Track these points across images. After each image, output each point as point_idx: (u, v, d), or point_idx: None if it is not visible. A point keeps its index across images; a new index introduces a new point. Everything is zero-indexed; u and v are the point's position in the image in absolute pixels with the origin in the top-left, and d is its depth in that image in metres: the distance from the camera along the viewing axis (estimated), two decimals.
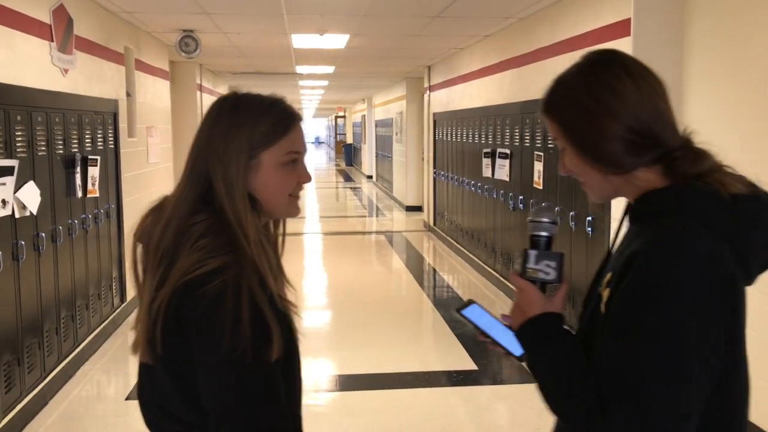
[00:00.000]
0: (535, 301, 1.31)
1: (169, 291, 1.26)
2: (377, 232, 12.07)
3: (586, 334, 1.30)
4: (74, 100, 5.10)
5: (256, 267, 1.29)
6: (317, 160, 37.82)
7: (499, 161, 7.42)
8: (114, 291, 6.17)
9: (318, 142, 56.00)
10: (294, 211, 1.45)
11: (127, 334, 6.10)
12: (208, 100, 11.76)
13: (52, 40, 4.70)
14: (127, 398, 4.62)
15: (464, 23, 6.92)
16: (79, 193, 5.20)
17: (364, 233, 12.10)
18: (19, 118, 4.10)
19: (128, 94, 6.80)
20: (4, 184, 3.88)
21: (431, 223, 11.48)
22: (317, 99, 23.67)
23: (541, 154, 6.13)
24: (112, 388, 5.04)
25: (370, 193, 18.38)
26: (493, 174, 7.62)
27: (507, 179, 7.16)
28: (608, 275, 1.27)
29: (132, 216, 6.61)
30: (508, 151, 7.12)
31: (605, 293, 1.24)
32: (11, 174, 3.95)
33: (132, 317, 6.38)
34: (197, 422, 1.29)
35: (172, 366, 1.30)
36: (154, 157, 7.76)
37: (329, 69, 11.73)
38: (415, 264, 9.41)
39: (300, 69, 11.75)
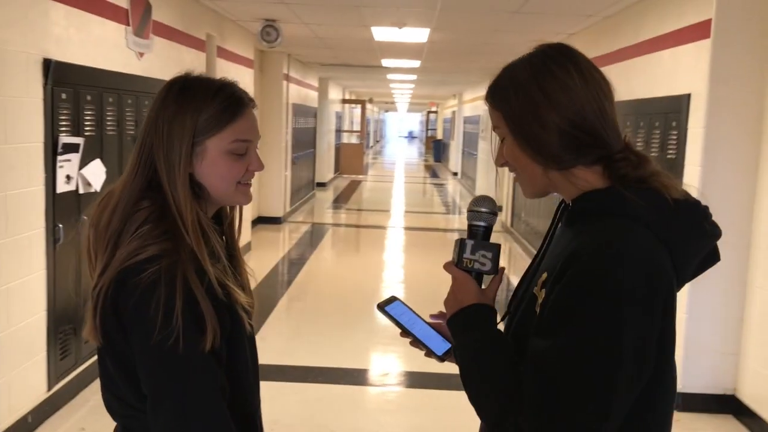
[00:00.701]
0: (470, 290, 1.29)
1: (108, 278, 1.26)
2: (456, 230, 11.94)
3: (516, 336, 1.25)
4: (148, 83, 5.26)
5: (194, 255, 1.26)
6: (408, 154, 37.90)
7: None
8: None
9: (411, 137, 56.07)
10: (243, 198, 1.42)
11: None
12: (294, 90, 11.96)
13: (128, 25, 4.86)
14: None
15: (546, 20, 6.71)
16: None
17: (443, 231, 11.99)
18: (89, 97, 4.26)
19: None
20: (69, 160, 4.05)
21: (508, 224, 11.26)
22: (408, 93, 23.69)
23: None
24: None
25: (454, 191, 18.23)
26: None
27: None
28: (543, 276, 1.22)
29: None
30: None
31: (541, 294, 1.20)
32: (77, 151, 4.11)
33: None
34: (142, 407, 1.28)
35: (114, 351, 1.30)
36: None
37: (415, 63, 11.69)
38: None
39: (386, 62, 11.77)
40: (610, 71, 5.38)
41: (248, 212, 9.00)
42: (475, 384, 1.21)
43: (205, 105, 1.33)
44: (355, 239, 11.15)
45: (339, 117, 20.25)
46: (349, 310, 6.48)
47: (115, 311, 1.25)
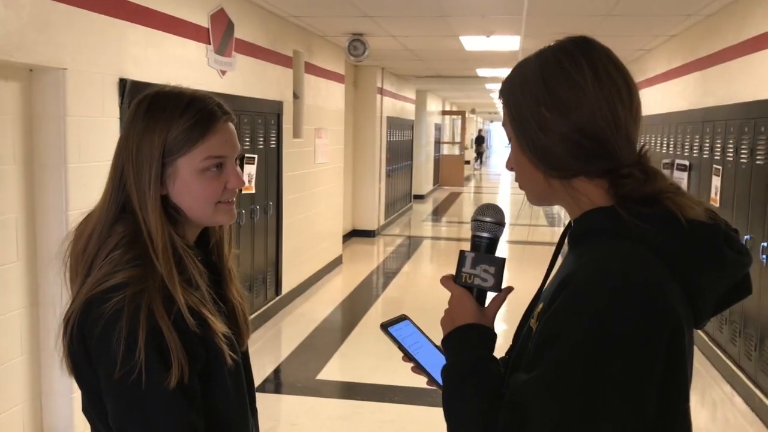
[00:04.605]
0: (467, 309, 1.16)
1: (75, 306, 1.20)
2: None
3: (514, 370, 1.10)
4: (231, 100, 5.31)
5: (164, 283, 1.18)
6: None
7: (676, 173, 6.73)
8: (268, 284, 6.41)
9: None
10: (224, 218, 1.32)
11: (280, 327, 6.32)
12: (389, 103, 11.96)
13: (210, 43, 4.95)
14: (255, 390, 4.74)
15: (640, 22, 6.35)
16: None
17: (547, 244, 11.60)
18: None
19: (296, 96, 7.05)
20: None
21: None
22: None
23: (720, 167, 5.45)
24: None
25: None
26: None
27: None
28: (540, 306, 1.08)
29: (291, 214, 6.85)
30: (686, 163, 6.43)
31: (536, 325, 1.05)
32: None
33: (284, 311, 6.60)
34: None
35: (82, 382, 1.23)
36: (322, 158, 7.99)
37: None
38: None
39: (481, 72, 11.57)
40: (709, 74, 5.00)
41: (339, 225, 9.03)
42: (455, 410, 1.09)
43: (174, 122, 1.25)
44: (451, 253, 10.97)
45: (438, 128, 20.14)
46: (436, 328, 6.31)
47: (82, 341, 1.19)
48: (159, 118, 1.25)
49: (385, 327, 1.28)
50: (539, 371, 0.95)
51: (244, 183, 1.33)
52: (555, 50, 1.08)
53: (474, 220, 1.23)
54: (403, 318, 1.33)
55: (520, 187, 1.16)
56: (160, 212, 1.24)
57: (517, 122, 1.09)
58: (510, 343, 1.20)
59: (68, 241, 1.30)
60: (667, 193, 1.02)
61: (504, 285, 1.19)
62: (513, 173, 1.18)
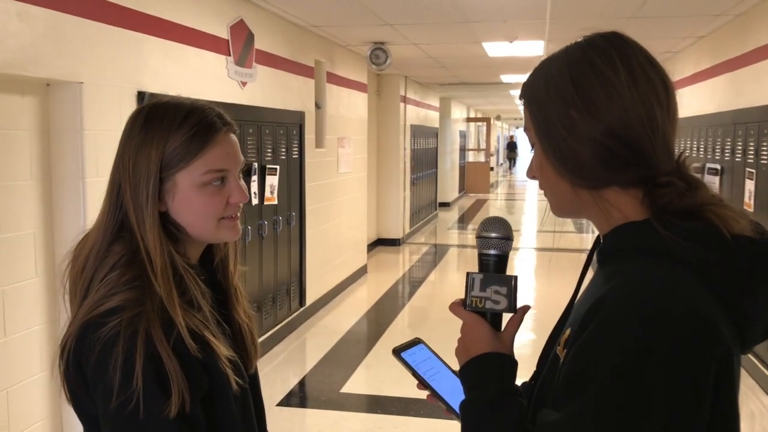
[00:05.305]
0: (481, 337, 1.06)
1: (71, 331, 1.14)
2: (586, 250, 11.34)
3: (539, 402, 1.01)
4: (252, 111, 5.32)
5: (164, 305, 1.12)
6: None
7: (707, 178, 6.57)
8: (292, 295, 6.36)
9: None
10: (228, 234, 1.26)
11: (304, 339, 6.26)
12: (412, 112, 11.90)
13: (229, 55, 4.93)
14: (279, 404, 4.69)
15: (666, 23, 6.21)
16: (255, 201, 5.42)
17: (575, 251, 11.43)
18: None
19: (317, 106, 7.01)
20: None
21: None
22: None
23: (753, 171, 5.29)
24: (269, 391, 5.15)
25: None
26: None
27: None
28: (567, 331, 0.97)
29: (315, 225, 6.80)
30: (717, 167, 6.26)
31: (563, 354, 0.95)
32: None
33: (308, 322, 6.55)
34: None
35: (80, 411, 1.18)
36: (346, 167, 7.94)
37: None
38: None
39: (505, 78, 11.46)
40: (739, 76, 4.85)
41: (364, 235, 8.97)
42: None
43: (171, 134, 1.19)
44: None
45: (463, 135, 20.01)
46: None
47: (78, 367, 1.13)
48: (156, 130, 1.20)
49: (397, 352, 1.20)
50: (572, 411, 0.86)
51: (247, 197, 1.27)
52: (584, 46, 0.99)
53: (478, 237, 1.12)
54: (416, 342, 1.24)
55: (546, 196, 1.07)
56: (158, 230, 1.18)
57: (541, 125, 1.00)
58: (533, 354, 1.11)
59: (66, 261, 1.24)
60: (709, 205, 0.92)
61: (525, 300, 1.10)
62: (536, 181, 1.09)
